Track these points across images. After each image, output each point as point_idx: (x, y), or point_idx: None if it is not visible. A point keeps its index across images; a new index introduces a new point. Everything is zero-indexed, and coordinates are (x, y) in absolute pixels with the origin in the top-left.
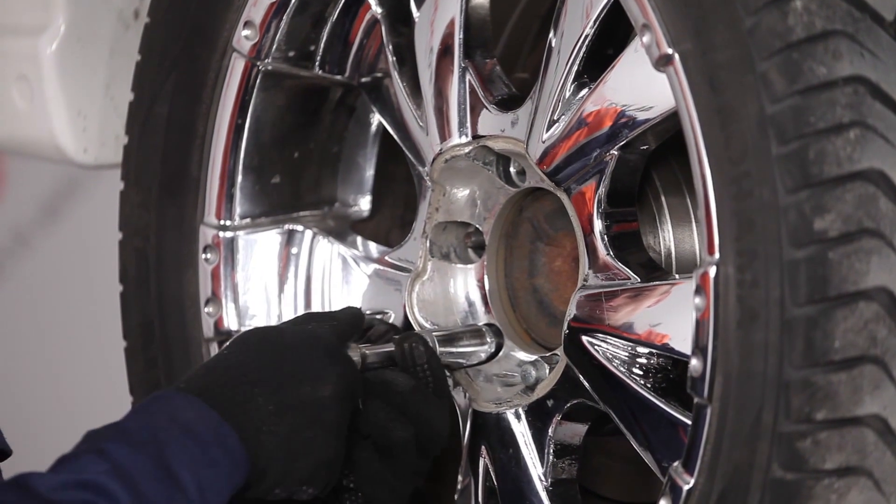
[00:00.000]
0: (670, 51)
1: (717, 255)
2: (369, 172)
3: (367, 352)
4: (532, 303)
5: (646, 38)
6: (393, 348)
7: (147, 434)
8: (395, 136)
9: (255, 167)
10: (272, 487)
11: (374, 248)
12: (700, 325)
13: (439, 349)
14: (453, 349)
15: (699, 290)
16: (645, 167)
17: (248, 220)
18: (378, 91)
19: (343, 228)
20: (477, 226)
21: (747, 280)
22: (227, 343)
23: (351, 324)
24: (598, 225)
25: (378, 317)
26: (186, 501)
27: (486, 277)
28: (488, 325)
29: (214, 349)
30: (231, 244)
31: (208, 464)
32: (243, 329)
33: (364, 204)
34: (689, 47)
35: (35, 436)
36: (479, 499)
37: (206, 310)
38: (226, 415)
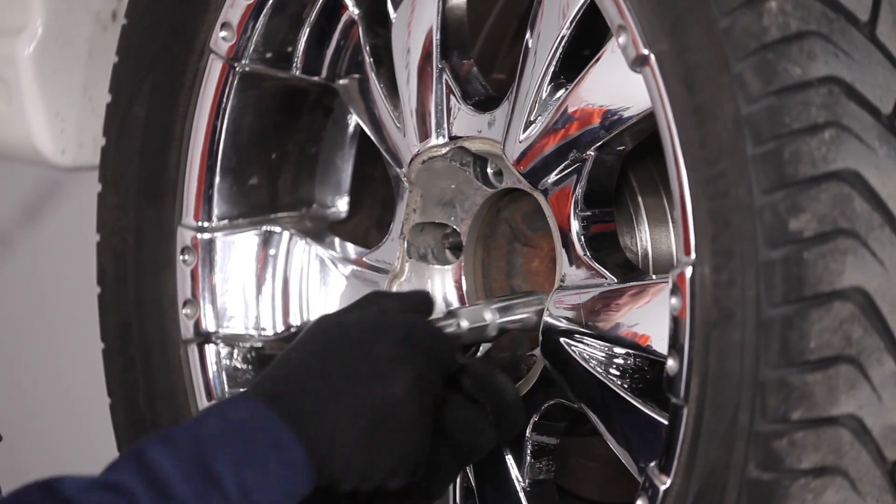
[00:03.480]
0: (646, 51)
1: (692, 256)
2: (347, 173)
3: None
4: None
5: (622, 39)
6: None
7: (190, 435)
8: (373, 138)
9: (233, 168)
10: (357, 486)
11: (351, 249)
12: (676, 326)
13: (499, 319)
14: (511, 317)
15: (675, 290)
16: (622, 168)
17: (225, 221)
18: (355, 92)
19: (321, 230)
20: (454, 227)
21: (723, 280)
22: (295, 339)
23: (422, 303)
24: (574, 226)
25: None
26: (224, 502)
27: (463, 278)
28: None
29: (193, 350)
30: (209, 246)
31: (256, 464)
32: (221, 331)
33: (342, 205)
34: (664, 48)
35: (18, 435)
36: (457, 499)
37: (184, 311)
38: (290, 419)
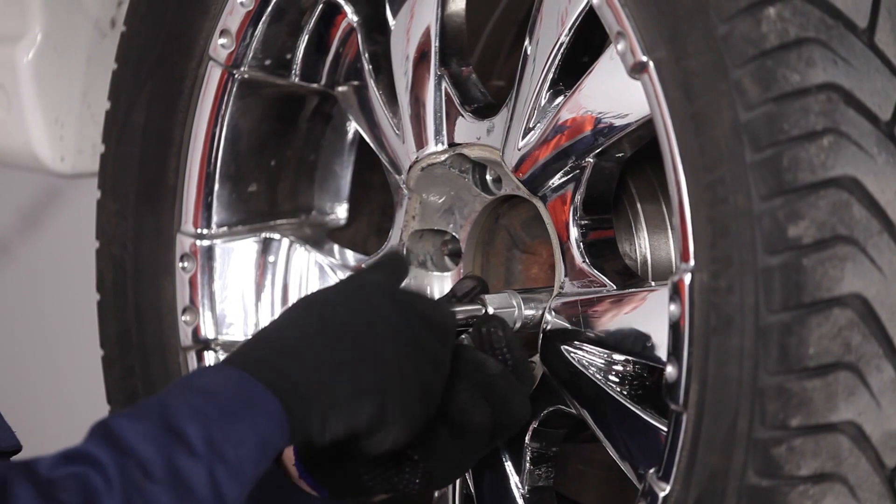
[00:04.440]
0: (645, 58)
1: (692, 262)
2: (346, 180)
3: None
4: None
5: (620, 46)
6: (479, 310)
7: (153, 402)
8: (372, 145)
9: (232, 175)
10: (326, 416)
11: (351, 256)
12: (675, 332)
13: (525, 307)
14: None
15: (674, 297)
16: (620, 175)
17: (225, 228)
18: (354, 99)
19: (320, 236)
20: (453, 234)
21: (722, 287)
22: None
23: (396, 270)
24: (573, 232)
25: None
26: (191, 456)
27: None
28: None
29: (192, 358)
30: (208, 253)
31: (223, 416)
32: (220, 338)
33: (341, 212)
34: (663, 55)
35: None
36: None
37: (183, 318)
38: (255, 372)
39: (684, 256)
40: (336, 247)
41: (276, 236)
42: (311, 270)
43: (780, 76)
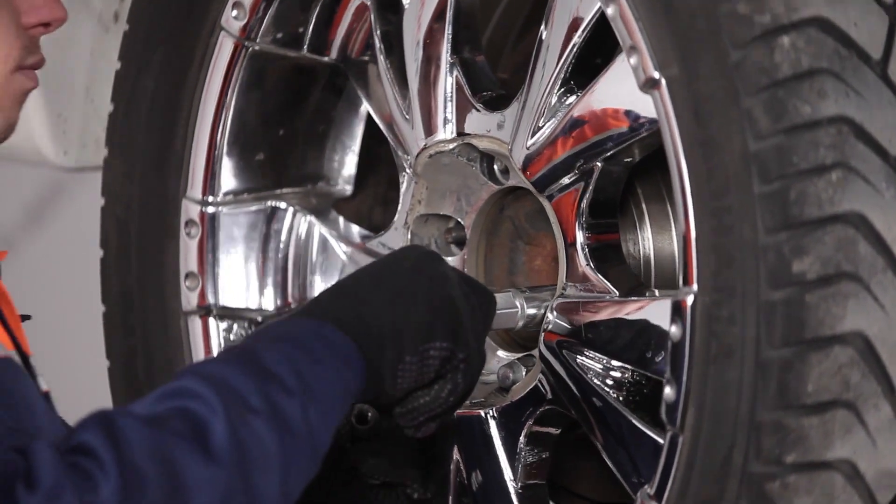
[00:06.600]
0: (657, 75)
1: (695, 286)
2: (354, 152)
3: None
4: None
5: (633, 60)
6: None
7: (237, 350)
8: (380, 125)
9: (240, 144)
10: (400, 354)
11: (355, 230)
12: (675, 353)
13: (528, 307)
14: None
15: (676, 317)
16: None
17: (231, 196)
18: (364, 76)
19: (325, 207)
20: (458, 220)
21: (724, 316)
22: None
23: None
24: (579, 236)
25: None
26: (284, 390)
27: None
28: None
29: (193, 322)
30: (213, 220)
31: (309, 359)
32: (222, 304)
33: (347, 183)
34: (675, 73)
35: None
36: (451, 498)
37: (185, 283)
38: (334, 321)
39: (688, 280)
40: (341, 219)
41: (282, 205)
42: (315, 241)
43: (791, 107)
